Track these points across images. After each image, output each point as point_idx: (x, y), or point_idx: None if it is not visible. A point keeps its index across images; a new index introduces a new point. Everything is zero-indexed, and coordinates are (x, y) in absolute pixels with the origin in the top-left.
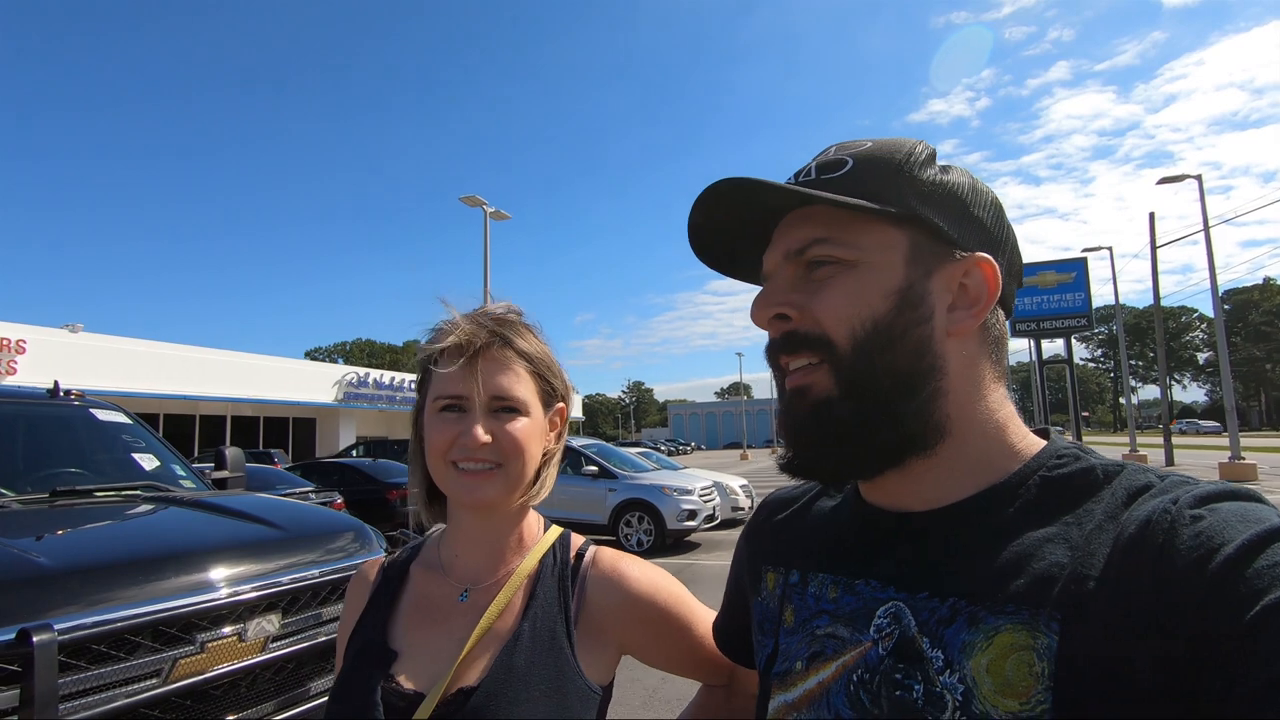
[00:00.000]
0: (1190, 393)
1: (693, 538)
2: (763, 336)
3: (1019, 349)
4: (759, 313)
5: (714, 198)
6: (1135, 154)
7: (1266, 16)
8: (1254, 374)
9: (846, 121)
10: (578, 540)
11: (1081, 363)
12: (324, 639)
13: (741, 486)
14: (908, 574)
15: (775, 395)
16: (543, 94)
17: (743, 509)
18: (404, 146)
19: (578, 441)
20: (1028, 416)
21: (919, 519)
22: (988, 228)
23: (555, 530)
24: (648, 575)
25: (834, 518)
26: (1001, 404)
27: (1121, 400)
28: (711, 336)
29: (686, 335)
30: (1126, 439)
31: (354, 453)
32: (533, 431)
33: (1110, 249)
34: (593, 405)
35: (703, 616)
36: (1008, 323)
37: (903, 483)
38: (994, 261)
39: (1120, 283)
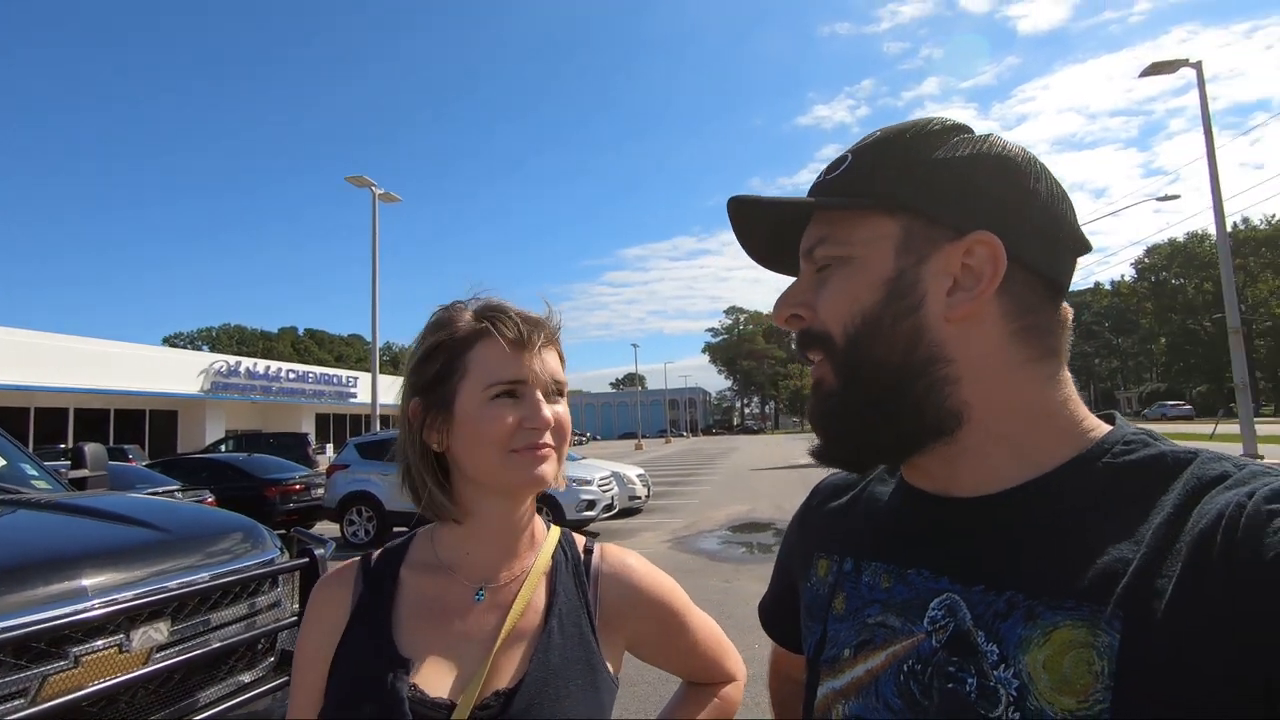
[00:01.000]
0: None
1: (591, 527)
2: (658, 329)
3: None
4: (776, 314)
5: (733, 218)
6: None
7: (1100, 50)
8: (1085, 368)
9: (740, 121)
10: (579, 537)
11: None
12: (217, 645)
13: (638, 476)
14: (961, 564)
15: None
16: (430, 74)
17: (640, 498)
18: (278, 118)
19: None
20: None
21: (970, 506)
22: (998, 199)
23: (556, 529)
24: (653, 572)
25: (887, 504)
26: (1044, 386)
27: None
28: (607, 327)
29: (581, 326)
30: None
31: (223, 447)
32: None
33: None
34: None
35: (699, 615)
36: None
37: (937, 466)
38: (992, 239)
39: None
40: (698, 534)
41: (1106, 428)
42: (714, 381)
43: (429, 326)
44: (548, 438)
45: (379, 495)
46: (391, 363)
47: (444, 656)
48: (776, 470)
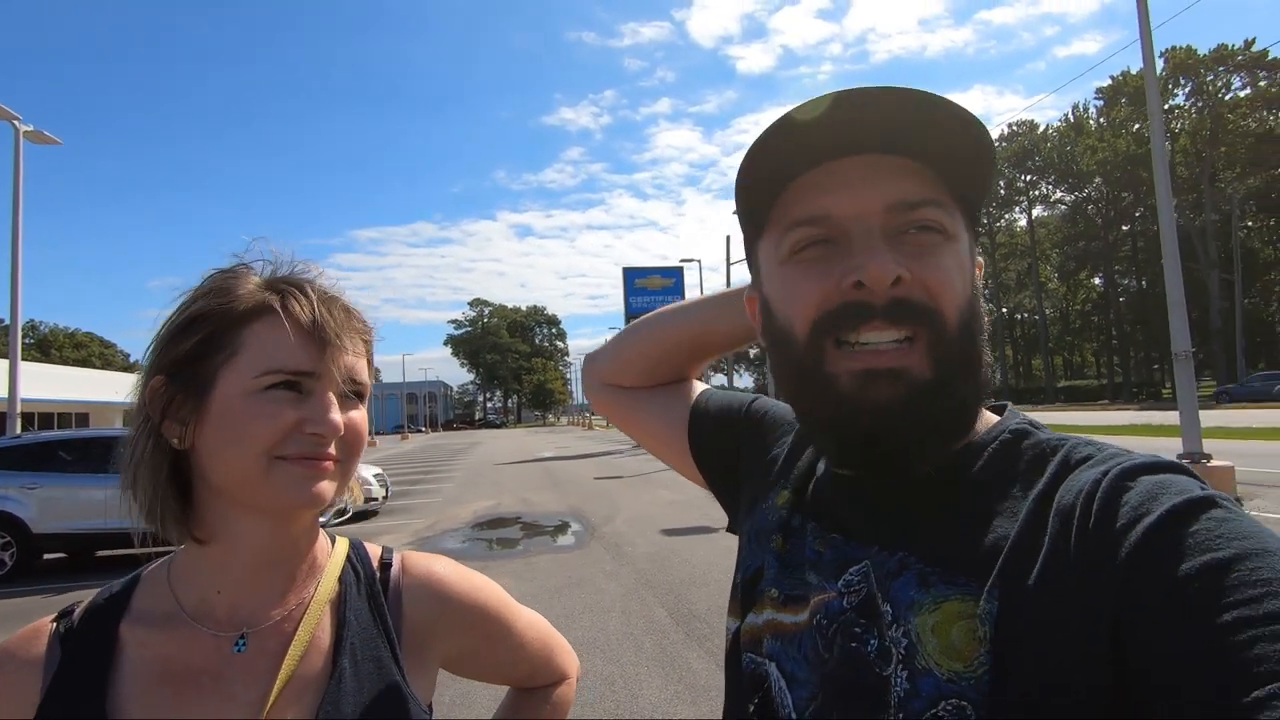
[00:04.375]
0: (744, 379)
1: None
2: (395, 318)
3: None
4: (886, 268)
5: (848, 104)
6: (714, 186)
7: (797, 98)
8: None
9: (487, 111)
10: (374, 548)
11: None
12: None
13: (375, 475)
14: (866, 529)
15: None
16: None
17: (377, 499)
18: None
19: None
20: None
21: (884, 480)
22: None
23: (344, 541)
24: (466, 578)
25: (824, 475)
26: None
27: None
28: None
29: None
30: None
31: None
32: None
33: (699, 261)
34: None
35: (522, 616)
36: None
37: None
38: (981, 261)
39: (702, 290)
40: (442, 533)
41: (996, 418)
42: (456, 375)
43: (196, 290)
44: (333, 448)
45: (21, 515)
46: (38, 347)
47: None
48: (521, 464)
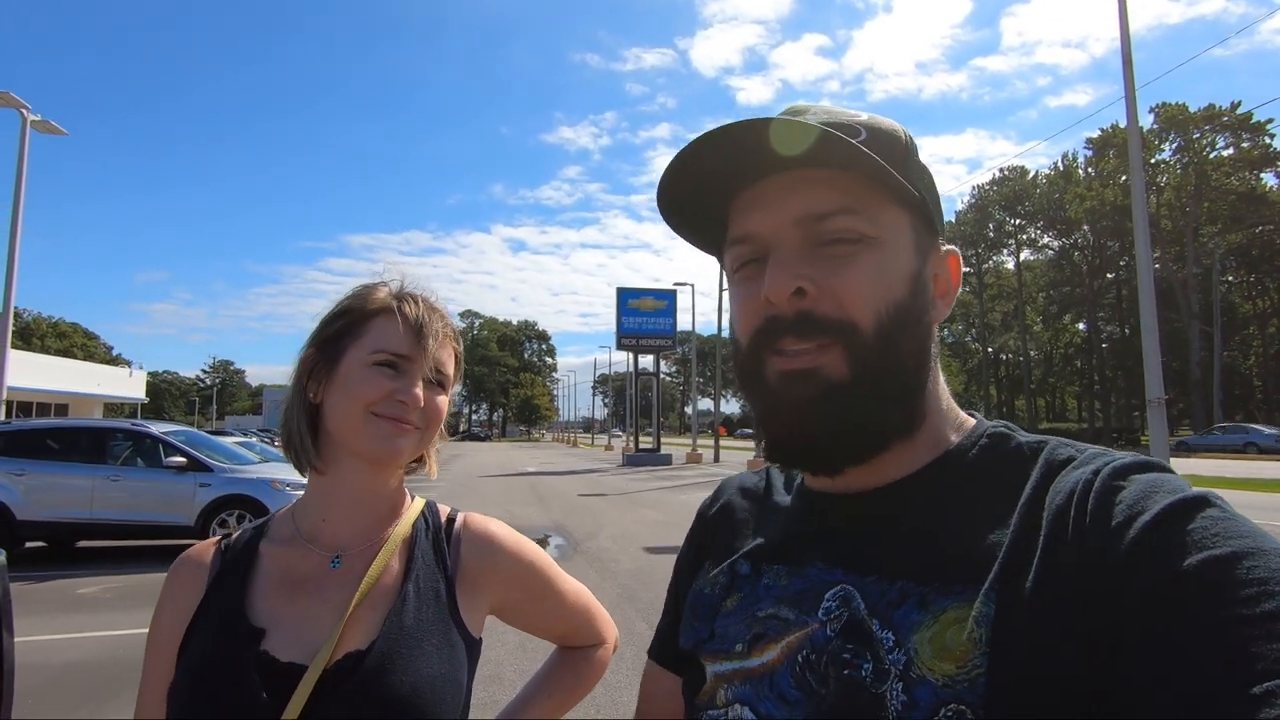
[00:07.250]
0: (731, 405)
1: None
2: None
3: (619, 360)
4: (780, 283)
5: (724, 138)
6: None
7: None
8: None
9: (487, 126)
10: (444, 507)
11: (664, 376)
12: None
13: None
14: (855, 555)
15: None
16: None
17: None
18: None
19: (159, 428)
20: (618, 420)
21: (862, 499)
22: (942, 222)
23: (421, 499)
24: (515, 537)
25: (787, 511)
26: (942, 382)
27: (688, 410)
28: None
29: (293, 313)
30: (689, 440)
31: None
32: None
33: (692, 286)
34: (160, 385)
35: (565, 580)
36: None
37: (863, 467)
38: (958, 252)
39: (694, 315)
40: None
41: (973, 421)
42: None
43: (346, 294)
44: (414, 417)
45: (6, 501)
46: (18, 334)
47: (298, 624)
48: (505, 478)
